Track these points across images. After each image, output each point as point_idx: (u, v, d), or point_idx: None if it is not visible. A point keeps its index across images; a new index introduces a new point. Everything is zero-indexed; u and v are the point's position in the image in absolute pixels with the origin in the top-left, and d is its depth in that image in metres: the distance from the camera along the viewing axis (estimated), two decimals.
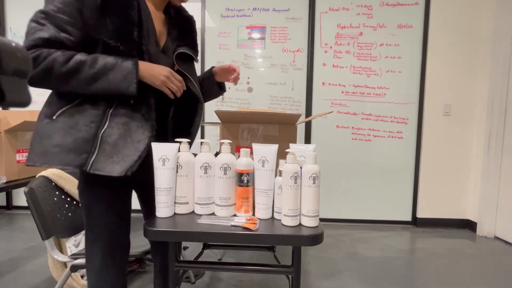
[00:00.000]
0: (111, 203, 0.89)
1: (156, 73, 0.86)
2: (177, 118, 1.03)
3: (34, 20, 0.76)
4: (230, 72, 1.08)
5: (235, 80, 1.07)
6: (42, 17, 0.76)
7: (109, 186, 0.88)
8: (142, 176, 0.91)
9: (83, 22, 0.79)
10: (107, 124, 0.81)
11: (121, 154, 0.81)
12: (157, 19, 0.95)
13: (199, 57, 2.87)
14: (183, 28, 1.03)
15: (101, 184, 0.87)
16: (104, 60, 0.79)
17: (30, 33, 0.76)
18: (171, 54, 0.98)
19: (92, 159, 0.79)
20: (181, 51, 0.98)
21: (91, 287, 0.90)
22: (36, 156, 0.78)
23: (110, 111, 0.82)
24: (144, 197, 1.06)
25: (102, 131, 0.80)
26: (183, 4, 1.05)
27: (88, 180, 0.88)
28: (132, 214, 1.20)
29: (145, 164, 0.86)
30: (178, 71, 0.96)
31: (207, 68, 2.88)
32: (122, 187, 0.92)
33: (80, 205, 0.91)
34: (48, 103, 0.83)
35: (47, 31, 0.76)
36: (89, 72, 0.77)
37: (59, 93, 0.82)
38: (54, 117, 0.80)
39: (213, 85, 1.13)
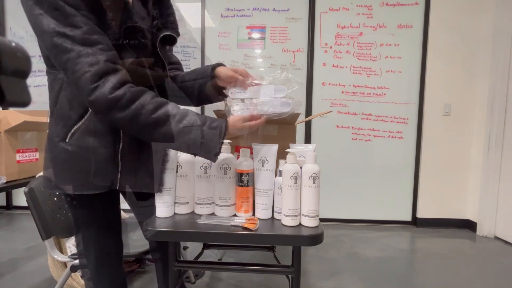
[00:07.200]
0: (98, 213, 0.86)
1: (239, 127, 0.79)
2: None
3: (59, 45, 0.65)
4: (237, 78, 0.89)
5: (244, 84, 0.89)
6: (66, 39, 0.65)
7: (95, 198, 0.81)
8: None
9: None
10: (122, 140, 0.78)
11: (140, 169, 0.83)
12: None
13: (198, 58, 2.89)
14: (158, 8, 0.87)
15: (87, 197, 0.80)
16: (194, 116, 0.74)
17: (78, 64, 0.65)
18: (148, 42, 0.84)
19: (118, 178, 0.80)
20: (167, 33, 0.85)
21: None
22: (66, 183, 0.78)
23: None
24: (134, 208, 1.00)
25: (120, 148, 0.79)
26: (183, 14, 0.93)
27: (73, 195, 0.82)
28: (132, 214, 1.19)
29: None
30: (157, 56, 0.85)
31: None
32: (109, 196, 0.85)
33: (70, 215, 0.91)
34: (56, 120, 0.76)
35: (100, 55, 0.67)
36: (176, 126, 0.71)
37: (64, 109, 0.74)
38: (67, 140, 0.75)
39: (211, 92, 0.95)
